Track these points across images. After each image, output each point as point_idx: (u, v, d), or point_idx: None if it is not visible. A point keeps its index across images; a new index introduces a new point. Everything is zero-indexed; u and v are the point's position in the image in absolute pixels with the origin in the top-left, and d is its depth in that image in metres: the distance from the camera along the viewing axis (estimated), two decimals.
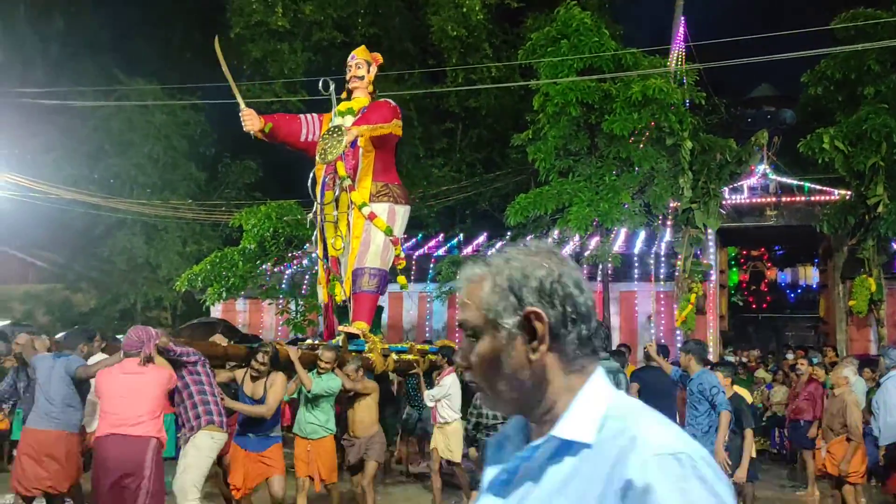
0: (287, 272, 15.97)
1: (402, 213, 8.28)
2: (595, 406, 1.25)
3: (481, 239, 17.94)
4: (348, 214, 7.93)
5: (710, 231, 14.80)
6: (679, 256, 14.69)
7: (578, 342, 1.27)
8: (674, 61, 16.40)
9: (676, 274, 14.72)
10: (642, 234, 16.12)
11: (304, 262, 15.13)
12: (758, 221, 15.99)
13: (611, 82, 12.68)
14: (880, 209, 13.64)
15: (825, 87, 15.48)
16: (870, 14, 15.05)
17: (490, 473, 1.36)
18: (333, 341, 8.02)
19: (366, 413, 7.55)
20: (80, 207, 17.65)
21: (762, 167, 15.64)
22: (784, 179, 15.82)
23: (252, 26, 20.22)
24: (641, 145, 12.91)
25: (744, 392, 8.31)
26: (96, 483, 5.50)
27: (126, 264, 19.00)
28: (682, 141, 13.03)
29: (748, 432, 6.80)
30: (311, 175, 7.95)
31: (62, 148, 18.65)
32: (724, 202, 14.94)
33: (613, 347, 10.11)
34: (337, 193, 7.85)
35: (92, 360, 6.73)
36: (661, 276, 15.54)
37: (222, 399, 6.28)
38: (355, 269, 7.97)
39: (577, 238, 15.14)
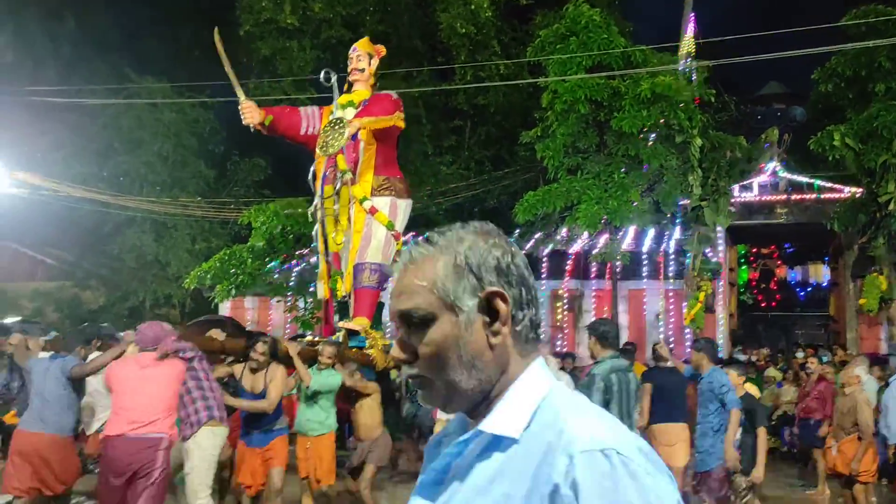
0: (295, 269, 16.00)
1: (404, 207, 8.14)
2: (529, 398, 1.16)
3: None
4: (349, 208, 7.78)
5: (719, 229, 14.74)
6: (688, 254, 14.64)
7: (531, 326, 1.21)
8: (683, 58, 16.32)
9: (685, 272, 14.67)
10: (651, 232, 16.06)
11: (313, 259, 15.14)
12: (768, 219, 15.93)
13: (620, 79, 12.64)
14: (891, 207, 13.57)
15: (836, 84, 15.38)
16: (881, 11, 14.95)
17: (423, 475, 1.26)
18: (333, 337, 7.98)
19: (368, 416, 7.50)
20: (89, 205, 17.71)
21: (772, 165, 15.58)
22: (794, 177, 15.74)
23: (261, 24, 20.24)
24: (650, 143, 12.87)
25: (753, 390, 8.27)
26: (104, 482, 5.43)
27: (135, 262, 19.07)
28: (692, 138, 12.99)
29: (761, 431, 6.76)
30: (312, 169, 7.81)
31: (72, 146, 18.72)
32: (733, 200, 14.88)
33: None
34: (338, 187, 7.71)
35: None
36: (670, 275, 15.48)
37: (221, 395, 6.26)
38: (356, 264, 7.90)
39: (585, 236, 15.11)
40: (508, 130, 20.37)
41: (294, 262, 15.61)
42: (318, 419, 7.17)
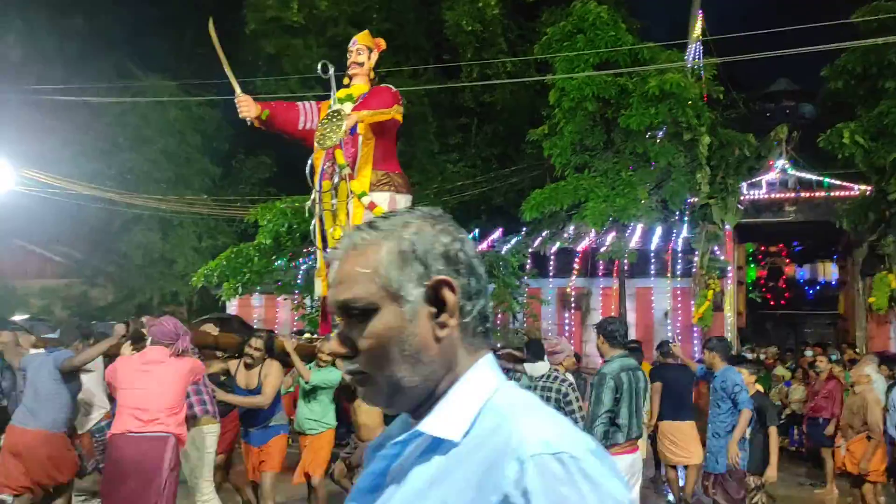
0: (302, 267, 15.99)
1: (404, 202, 7.96)
2: (473, 397, 1.08)
3: (496, 235, 17.88)
4: (348, 203, 7.60)
5: (727, 227, 14.67)
6: (696, 252, 14.57)
7: (480, 318, 1.13)
8: (691, 55, 16.26)
9: (693, 270, 14.61)
10: (659, 230, 16.00)
11: None
12: (776, 217, 15.85)
13: (627, 77, 12.59)
14: None
15: (845, 82, 15.25)
16: (891, 7, 14.83)
17: (360, 479, 1.18)
18: (332, 334, 7.93)
19: (367, 416, 7.44)
20: (96, 203, 17.74)
21: (781, 162, 15.49)
22: (803, 174, 15.66)
23: (267, 22, 20.26)
24: (658, 140, 12.82)
25: (760, 389, 8.22)
26: (109, 482, 5.29)
27: (142, 259, 19.10)
28: (700, 136, 12.93)
29: (772, 430, 6.71)
30: (309, 163, 7.68)
31: (79, 144, 18.75)
32: (742, 197, 14.81)
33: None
34: (336, 182, 7.57)
35: None
36: (678, 273, 15.42)
37: (214, 391, 6.21)
38: None
39: (593, 233, 15.06)
40: (515, 128, 20.33)
41: (301, 259, 15.60)
42: (316, 416, 7.09)
